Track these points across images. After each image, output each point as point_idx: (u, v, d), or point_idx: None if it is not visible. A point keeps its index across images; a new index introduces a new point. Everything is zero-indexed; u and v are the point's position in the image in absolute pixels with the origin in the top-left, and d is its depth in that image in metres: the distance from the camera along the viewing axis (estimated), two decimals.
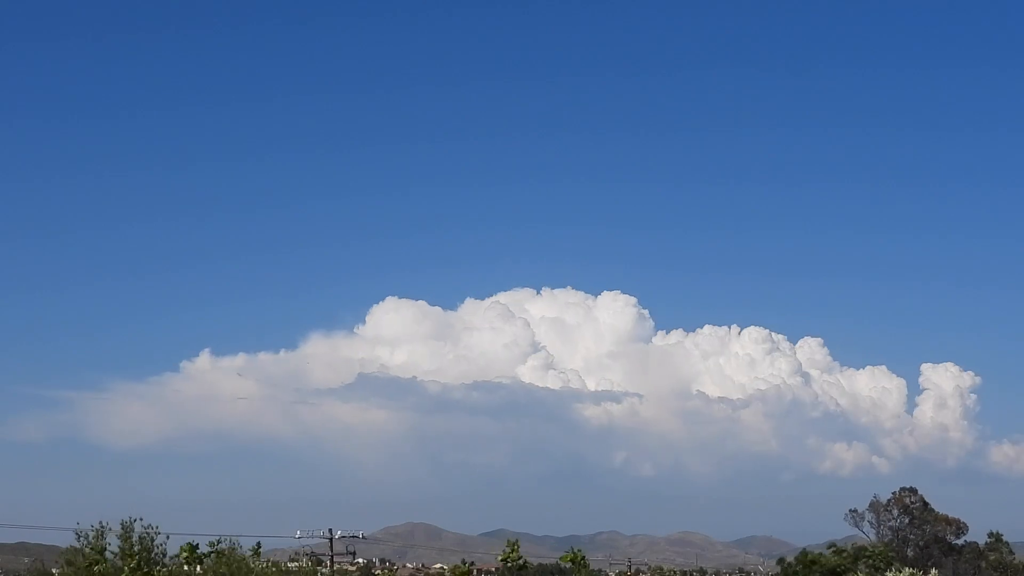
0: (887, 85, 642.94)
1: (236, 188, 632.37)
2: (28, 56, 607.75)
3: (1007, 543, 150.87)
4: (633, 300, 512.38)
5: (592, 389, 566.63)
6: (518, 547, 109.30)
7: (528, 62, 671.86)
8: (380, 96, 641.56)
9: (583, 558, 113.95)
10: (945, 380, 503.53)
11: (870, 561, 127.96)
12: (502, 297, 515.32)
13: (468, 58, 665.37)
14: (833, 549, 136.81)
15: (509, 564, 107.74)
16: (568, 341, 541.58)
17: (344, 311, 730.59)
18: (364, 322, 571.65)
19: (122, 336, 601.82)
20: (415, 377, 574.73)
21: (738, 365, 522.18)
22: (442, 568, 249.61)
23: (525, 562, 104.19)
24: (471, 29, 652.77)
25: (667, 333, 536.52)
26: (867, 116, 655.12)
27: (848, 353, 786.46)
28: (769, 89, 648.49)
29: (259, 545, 71.80)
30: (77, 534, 63.00)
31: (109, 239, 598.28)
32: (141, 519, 65.06)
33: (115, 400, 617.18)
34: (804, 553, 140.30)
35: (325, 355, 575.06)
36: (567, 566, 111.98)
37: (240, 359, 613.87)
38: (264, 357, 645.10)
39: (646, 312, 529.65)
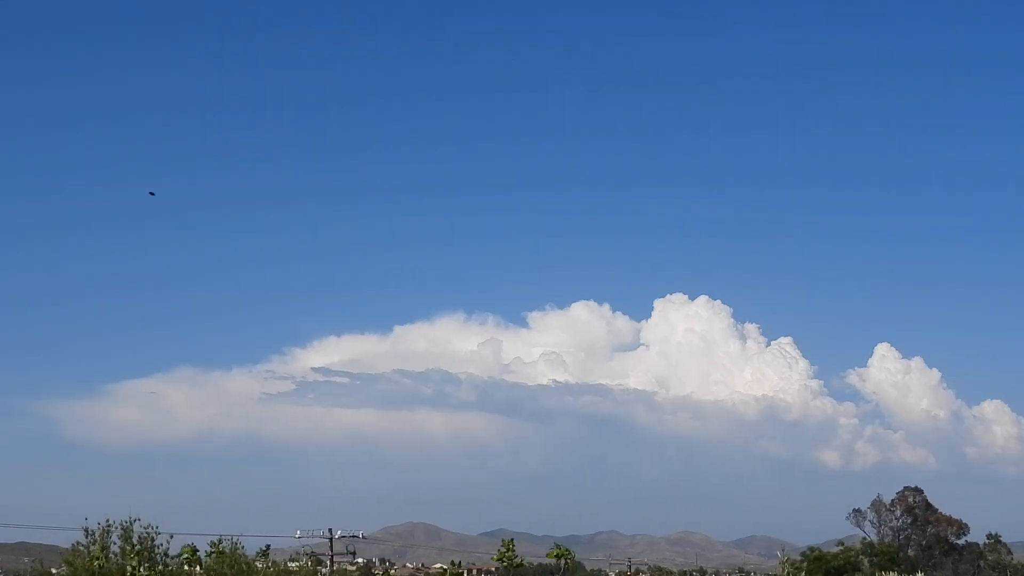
0: (887, 93, 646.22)
1: (231, 198, 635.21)
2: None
3: (1005, 544, 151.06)
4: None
5: (594, 386, 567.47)
6: (513, 546, 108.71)
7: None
8: (369, 102, 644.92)
9: (568, 552, 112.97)
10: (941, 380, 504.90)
11: (876, 559, 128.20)
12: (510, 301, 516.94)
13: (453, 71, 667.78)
14: (841, 547, 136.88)
15: (505, 563, 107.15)
16: (571, 338, 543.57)
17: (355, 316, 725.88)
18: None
19: (108, 342, 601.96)
20: (412, 369, 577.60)
21: (739, 365, 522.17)
22: (442, 568, 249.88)
23: (522, 561, 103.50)
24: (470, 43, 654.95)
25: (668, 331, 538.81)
26: (864, 122, 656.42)
27: (848, 353, 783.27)
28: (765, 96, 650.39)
29: (268, 547, 71.74)
30: (85, 531, 63.22)
31: (98, 247, 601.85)
32: (140, 519, 65.29)
33: (107, 404, 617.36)
34: (812, 549, 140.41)
35: (325, 355, 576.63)
36: (555, 563, 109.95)
37: (235, 361, 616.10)
38: (264, 359, 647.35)
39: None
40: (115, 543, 63.60)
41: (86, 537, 63.00)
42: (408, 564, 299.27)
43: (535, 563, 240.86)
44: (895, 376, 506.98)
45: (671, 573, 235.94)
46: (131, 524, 64.49)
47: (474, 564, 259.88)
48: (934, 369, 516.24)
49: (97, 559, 52.00)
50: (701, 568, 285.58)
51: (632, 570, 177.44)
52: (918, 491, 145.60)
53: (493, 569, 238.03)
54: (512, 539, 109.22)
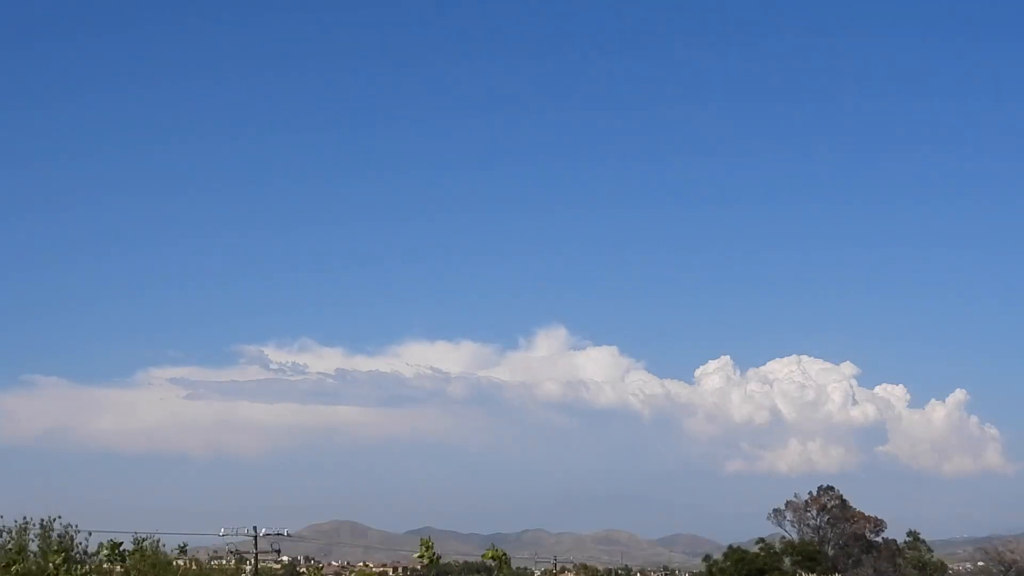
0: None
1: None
2: None
3: (924, 541, 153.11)
4: None
5: (541, 386, 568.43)
6: (432, 545, 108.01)
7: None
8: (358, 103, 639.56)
9: (504, 555, 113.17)
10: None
11: (796, 556, 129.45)
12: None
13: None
14: (761, 545, 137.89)
15: (428, 561, 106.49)
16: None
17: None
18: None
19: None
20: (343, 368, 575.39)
21: (679, 369, 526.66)
22: (369, 567, 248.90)
23: (439, 557, 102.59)
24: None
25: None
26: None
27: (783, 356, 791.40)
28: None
29: (185, 545, 71.13)
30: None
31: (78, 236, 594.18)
32: (60, 517, 64.29)
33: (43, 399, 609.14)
34: (733, 549, 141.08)
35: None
36: (490, 563, 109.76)
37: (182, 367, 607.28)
38: (203, 364, 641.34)
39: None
40: (33, 541, 62.59)
41: (1, 536, 61.88)
42: (333, 563, 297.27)
43: (461, 561, 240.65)
44: (811, 379, 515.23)
45: (597, 571, 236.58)
46: (51, 522, 63.55)
47: (399, 563, 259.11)
48: (853, 369, 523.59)
49: (15, 563, 50.80)
50: (627, 566, 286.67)
51: (558, 568, 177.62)
52: (831, 489, 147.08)
53: (419, 567, 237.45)
54: (429, 538, 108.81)
